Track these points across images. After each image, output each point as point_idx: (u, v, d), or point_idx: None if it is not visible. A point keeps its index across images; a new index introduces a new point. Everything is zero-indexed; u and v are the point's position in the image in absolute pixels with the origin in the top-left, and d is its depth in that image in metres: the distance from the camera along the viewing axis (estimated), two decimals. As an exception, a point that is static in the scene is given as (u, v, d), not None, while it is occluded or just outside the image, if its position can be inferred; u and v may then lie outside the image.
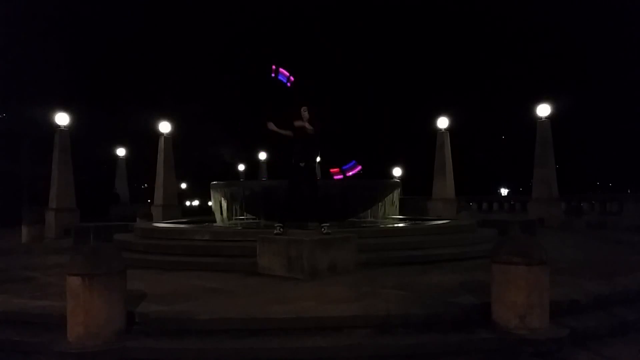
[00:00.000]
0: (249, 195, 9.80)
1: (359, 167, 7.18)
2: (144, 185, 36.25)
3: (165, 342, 4.24)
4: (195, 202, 36.62)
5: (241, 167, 32.15)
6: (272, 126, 7.56)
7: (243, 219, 11.09)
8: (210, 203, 12.58)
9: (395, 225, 10.10)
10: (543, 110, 16.60)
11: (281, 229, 6.92)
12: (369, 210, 10.82)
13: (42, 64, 27.96)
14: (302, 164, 7.29)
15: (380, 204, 10.71)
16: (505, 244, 4.60)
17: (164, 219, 15.22)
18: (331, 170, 6.93)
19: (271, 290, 5.50)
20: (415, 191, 23.83)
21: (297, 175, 7.33)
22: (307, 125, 7.29)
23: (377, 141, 41.93)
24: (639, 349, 4.34)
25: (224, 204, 10.56)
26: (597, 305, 5.06)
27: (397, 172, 26.32)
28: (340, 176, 7.01)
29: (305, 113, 7.44)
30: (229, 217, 10.72)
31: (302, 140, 7.33)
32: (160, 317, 4.54)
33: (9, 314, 4.91)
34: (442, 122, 18.30)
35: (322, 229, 6.96)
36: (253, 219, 10.90)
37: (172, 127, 18.52)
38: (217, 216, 10.87)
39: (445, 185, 17.87)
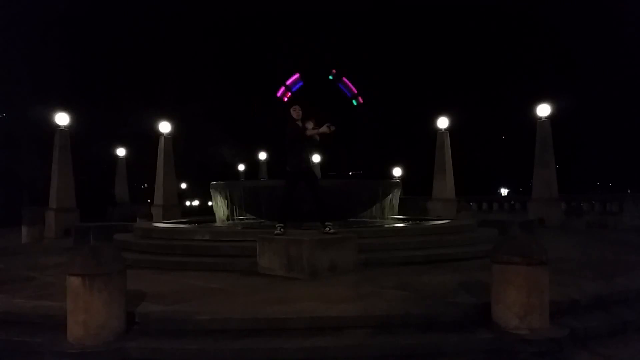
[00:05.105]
0: (249, 195, 9.79)
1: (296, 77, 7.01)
2: (144, 185, 36.22)
3: (165, 342, 4.24)
4: (195, 202, 36.61)
5: (241, 167, 32.15)
6: (310, 129, 7.31)
7: (243, 219, 11.09)
8: (210, 203, 12.58)
9: (395, 225, 10.09)
10: (543, 110, 16.61)
11: (282, 229, 6.91)
12: (369, 210, 10.81)
13: (42, 64, 27.96)
14: (299, 166, 7.27)
15: (380, 204, 10.70)
16: (505, 244, 4.60)
17: (164, 219, 15.21)
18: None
19: (271, 290, 5.50)
20: (415, 191, 23.83)
21: (294, 176, 7.31)
22: (323, 129, 7.20)
23: (377, 141, 41.96)
24: (639, 348, 4.34)
25: (224, 204, 10.55)
26: (597, 305, 5.06)
27: (397, 172, 26.31)
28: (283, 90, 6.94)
29: (297, 112, 7.33)
30: (229, 217, 10.72)
31: (297, 140, 7.29)
32: (160, 317, 4.54)
33: (9, 314, 4.91)
34: (442, 122, 18.30)
35: (327, 229, 6.95)
36: (253, 219, 10.89)
37: (172, 127, 18.52)
38: (217, 216, 10.86)
39: (445, 185, 17.87)
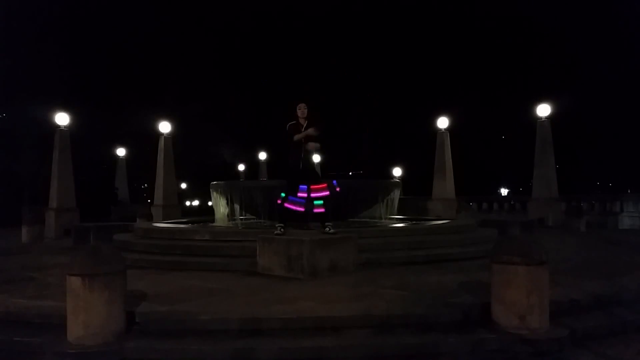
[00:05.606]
0: (249, 195, 9.79)
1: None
2: (144, 185, 36.25)
3: (165, 342, 4.24)
4: (195, 202, 36.61)
5: (241, 167, 32.15)
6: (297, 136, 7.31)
7: (243, 219, 11.09)
8: (210, 203, 12.58)
9: (395, 225, 10.09)
10: (543, 110, 16.61)
11: (282, 229, 6.92)
12: (369, 210, 10.81)
13: (42, 63, 27.95)
14: (300, 164, 7.27)
15: (380, 204, 10.70)
16: (505, 244, 4.60)
17: (164, 219, 15.21)
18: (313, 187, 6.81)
19: (271, 290, 5.50)
20: (415, 191, 23.82)
21: (296, 175, 7.31)
22: (309, 131, 7.21)
23: (377, 141, 41.96)
24: (639, 349, 4.34)
25: (224, 204, 10.55)
26: (597, 305, 5.06)
27: (397, 172, 26.30)
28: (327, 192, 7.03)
29: (301, 110, 7.35)
30: (229, 217, 10.72)
31: (300, 141, 7.28)
32: (160, 317, 4.54)
33: (9, 314, 4.91)
34: (442, 122, 18.29)
35: (327, 229, 6.96)
36: (253, 219, 10.89)
37: (172, 127, 18.51)
38: (217, 216, 10.86)
39: (445, 185, 17.85)
